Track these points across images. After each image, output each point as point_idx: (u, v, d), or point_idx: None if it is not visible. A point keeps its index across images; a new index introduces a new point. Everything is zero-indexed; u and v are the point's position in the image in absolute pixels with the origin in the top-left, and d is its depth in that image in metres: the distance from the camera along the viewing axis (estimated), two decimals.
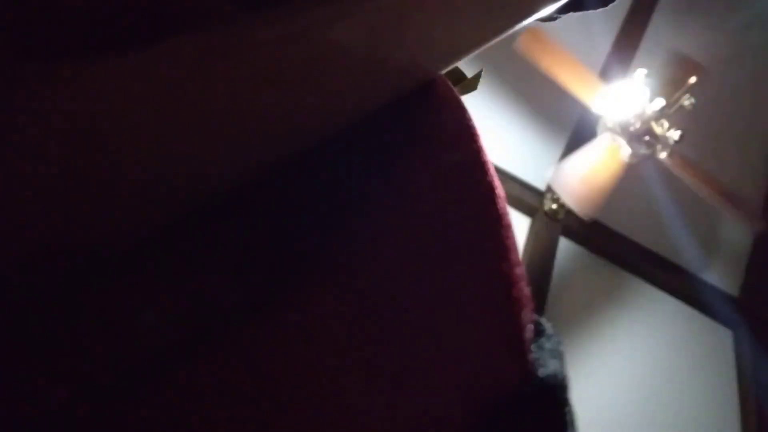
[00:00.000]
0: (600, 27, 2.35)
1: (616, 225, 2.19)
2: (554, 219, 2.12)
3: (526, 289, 0.20)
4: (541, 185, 2.18)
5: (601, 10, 0.28)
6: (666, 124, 1.74)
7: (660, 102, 1.74)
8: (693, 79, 1.71)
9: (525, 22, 0.22)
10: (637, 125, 1.75)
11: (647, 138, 1.74)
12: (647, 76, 1.75)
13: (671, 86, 1.72)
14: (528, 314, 0.19)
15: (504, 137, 2.10)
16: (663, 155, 1.73)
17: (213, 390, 0.15)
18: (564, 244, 2.13)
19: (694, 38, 2.40)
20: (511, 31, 0.22)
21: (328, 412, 0.15)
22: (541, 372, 0.19)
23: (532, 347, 0.19)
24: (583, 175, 1.66)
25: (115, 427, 0.14)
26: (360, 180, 0.19)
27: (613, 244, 2.17)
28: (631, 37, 2.42)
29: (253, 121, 0.16)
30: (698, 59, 1.80)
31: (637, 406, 1.92)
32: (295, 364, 0.15)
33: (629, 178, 1.79)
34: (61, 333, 0.14)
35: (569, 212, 2.11)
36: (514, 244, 0.20)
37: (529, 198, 2.13)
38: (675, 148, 1.73)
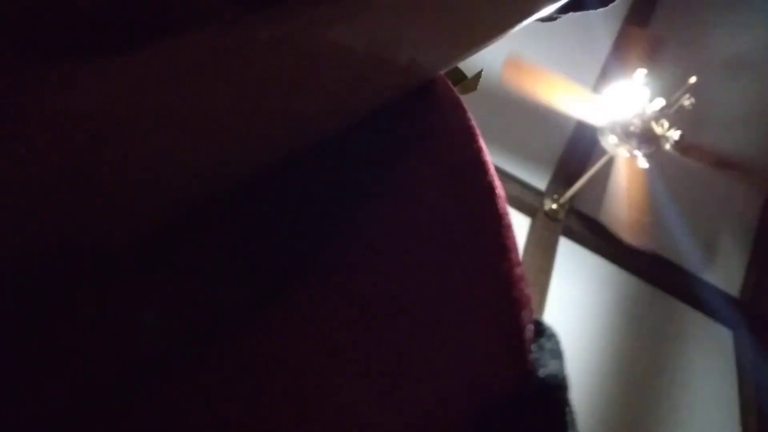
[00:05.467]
0: (600, 27, 2.35)
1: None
2: (554, 219, 2.12)
3: (526, 289, 0.20)
4: (541, 185, 2.18)
5: (601, 10, 0.28)
6: (666, 124, 1.74)
7: (660, 102, 1.74)
8: (693, 79, 1.71)
9: (525, 22, 0.22)
10: (637, 125, 1.75)
11: (647, 138, 1.75)
12: (647, 76, 1.75)
13: (635, 63, 1.72)
14: (528, 314, 0.19)
15: (504, 137, 2.10)
16: (668, 146, 1.73)
17: (212, 390, 0.15)
18: (564, 244, 2.13)
19: (693, 38, 2.40)
20: (511, 31, 0.22)
21: (326, 413, 0.15)
22: (541, 372, 0.19)
23: (532, 347, 0.19)
24: (625, 204, 1.67)
25: (115, 427, 0.14)
26: (360, 180, 0.19)
27: (613, 244, 2.17)
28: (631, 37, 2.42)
29: (253, 121, 0.16)
30: (698, 59, 1.80)
31: (637, 405, 1.92)
32: (294, 364, 0.15)
33: (645, 185, 1.79)
34: (61, 333, 0.14)
35: (569, 212, 2.11)
36: (514, 244, 0.20)
37: (529, 198, 2.13)
38: (668, 154, 1.74)
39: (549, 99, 1.67)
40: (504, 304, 0.19)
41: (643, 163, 1.73)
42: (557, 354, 0.20)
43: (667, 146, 1.72)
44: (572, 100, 1.70)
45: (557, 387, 0.19)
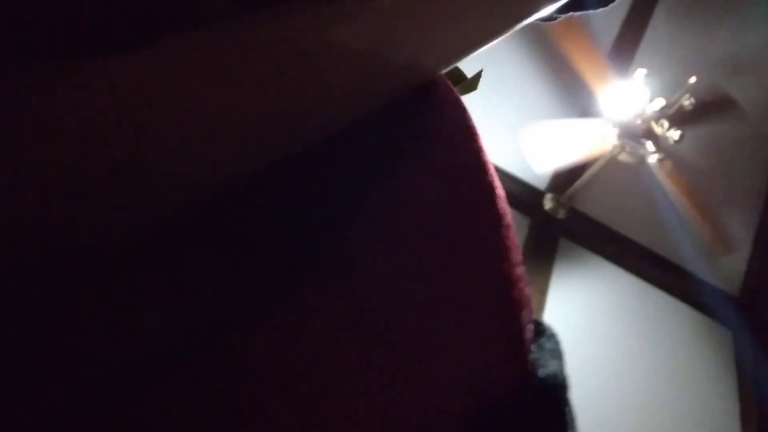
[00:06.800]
0: (600, 27, 2.36)
1: (616, 225, 2.19)
2: (554, 219, 2.12)
3: (526, 289, 0.20)
4: (541, 185, 2.18)
5: (601, 10, 0.28)
6: (666, 124, 1.74)
7: (660, 102, 1.74)
8: (693, 79, 1.71)
9: (525, 22, 0.22)
10: (637, 125, 1.75)
11: (647, 138, 1.75)
12: (647, 76, 1.76)
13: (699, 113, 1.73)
14: (528, 314, 0.19)
15: (504, 137, 2.11)
16: (653, 159, 1.73)
17: (212, 391, 0.15)
18: (564, 244, 2.13)
19: (693, 38, 2.40)
20: (511, 31, 0.22)
21: (327, 413, 0.15)
22: (541, 372, 0.19)
23: (532, 347, 0.19)
24: (703, 221, 1.69)
25: (114, 427, 0.14)
26: (359, 180, 0.19)
27: (613, 244, 2.17)
28: (631, 37, 2.42)
29: (253, 121, 0.16)
30: (698, 59, 1.80)
31: (637, 405, 1.92)
32: (293, 365, 0.15)
33: (629, 178, 1.79)
34: (60, 333, 0.14)
35: (569, 212, 2.11)
36: (514, 244, 0.20)
37: (529, 198, 2.13)
38: (668, 154, 1.75)
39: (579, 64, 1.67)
40: (504, 304, 0.19)
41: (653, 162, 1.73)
42: (557, 354, 0.20)
43: (653, 159, 1.72)
44: (585, 137, 1.71)
45: (557, 387, 0.19)
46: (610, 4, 0.28)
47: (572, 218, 2.14)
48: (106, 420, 0.14)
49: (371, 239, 0.18)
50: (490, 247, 0.20)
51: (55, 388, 0.13)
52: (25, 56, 0.14)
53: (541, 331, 0.20)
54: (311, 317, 0.16)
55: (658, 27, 2.48)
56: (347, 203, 0.18)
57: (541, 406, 0.18)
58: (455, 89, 0.24)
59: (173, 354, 0.15)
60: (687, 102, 1.72)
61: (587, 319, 2.01)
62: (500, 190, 0.21)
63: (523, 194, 2.12)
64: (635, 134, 1.75)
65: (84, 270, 0.15)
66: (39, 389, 0.13)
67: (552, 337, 0.21)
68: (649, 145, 1.74)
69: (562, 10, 0.26)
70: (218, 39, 0.16)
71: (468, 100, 0.25)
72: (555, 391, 0.19)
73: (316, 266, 0.17)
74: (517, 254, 0.20)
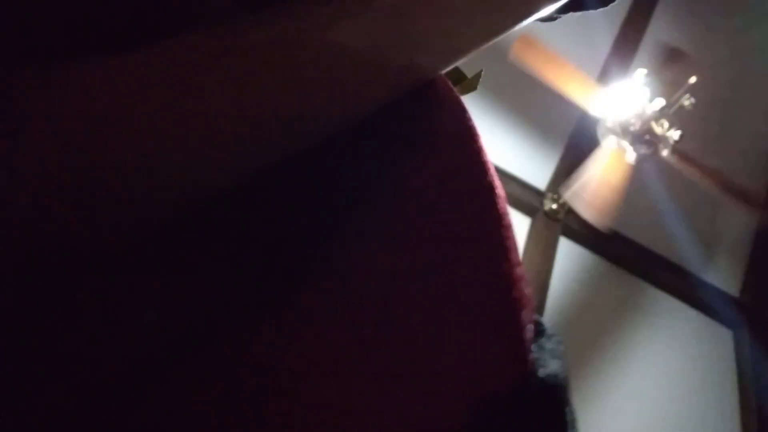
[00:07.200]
0: (600, 27, 2.36)
1: (617, 225, 2.19)
2: (554, 219, 2.12)
3: (526, 289, 0.20)
4: (541, 185, 2.18)
5: (601, 10, 0.28)
6: (666, 124, 1.74)
7: (660, 102, 1.74)
8: (693, 79, 1.71)
9: (525, 22, 0.22)
10: (637, 125, 1.75)
11: (647, 138, 1.75)
12: (647, 76, 1.76)
13: (670, 85, 1.73)
14: (528, 314, 0.19)
15: (504, 137, 2.10)
16: (665, 153, 1.73)
17: (212, 390, 0.14)
18: (564, 244, 2.13)
19: (693, 38, 2.40)
20: (511, 31, 0.22)
21: (327, 413, 0.15)
22: (542, 372, 0.19)
23: (533, 347, 0.19)
24: (594, 187, 1.69)
25: (113, 427, 0.14)
26: (360, 180, 0.19)
27: (614, 244, 2.17)
28: (631, 37, 2.42)
29: (253, 121, 0.16)
30: (698, 59, 1.80)
31: (636, 405, 1.92)
32: (294, 365, 0.15)
33: (629, 178, 1.79)
34: (61, 332, 0.14)
35: (569, 212, 2.11)
36: (514, 244, 0.20)
37: (529, 198, 2.13)
38: (676, 146, 1.75)
39: (553, 82, 1.67)
40: (504, 304, 0.19)
41: (630, 158, 1.74)
42: (557, 354, 0.20)
43: (665, 153, 1.73)
44: (576, 87, 1.70)
45: (557, 387, 0.19)
46: (610, 4, 0.28)
47: (572, 218, 2.14)
48: (106, 420, 0.14)
49: (371, 239, 0.18)
50: (490, 247, 0.20)
51: (55, 388, 0.13)
52: (25, 56, 0.14)
53: (542, 331, 0.20)
54: (311, 317, 0.16)
55: (658, 27, 2.48)
56: (347, 203, 0.18)
57: (541, 406, 0.18)
58: (455, 89, 0.24)
59: (173, 354, 0.15)
60: (687, 102, 1.72)
61: (587, 319, 2.01)
62: (500, 190, 0.21)
63: (523, 194, 2.12)
64: (635, 134, 1.75)
65: (84, 270, 0.15)
66: (39, 389, 0.13)
67: (552, 337, 0.21)
68: (650, 145, 1.74)
69: (562, 10, 0.26)
70: (218, 39, 0.16)
71: (468, 100, 0.25)
72: (555, 390, 0.19)
73: (315, 266, 0.17)
74: (516, 254, 0.20)
